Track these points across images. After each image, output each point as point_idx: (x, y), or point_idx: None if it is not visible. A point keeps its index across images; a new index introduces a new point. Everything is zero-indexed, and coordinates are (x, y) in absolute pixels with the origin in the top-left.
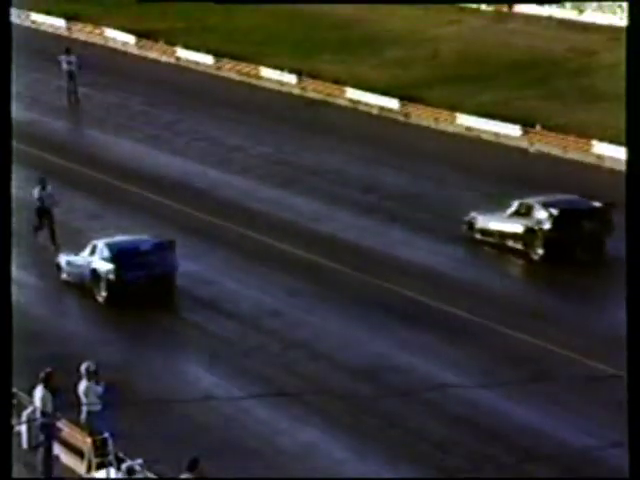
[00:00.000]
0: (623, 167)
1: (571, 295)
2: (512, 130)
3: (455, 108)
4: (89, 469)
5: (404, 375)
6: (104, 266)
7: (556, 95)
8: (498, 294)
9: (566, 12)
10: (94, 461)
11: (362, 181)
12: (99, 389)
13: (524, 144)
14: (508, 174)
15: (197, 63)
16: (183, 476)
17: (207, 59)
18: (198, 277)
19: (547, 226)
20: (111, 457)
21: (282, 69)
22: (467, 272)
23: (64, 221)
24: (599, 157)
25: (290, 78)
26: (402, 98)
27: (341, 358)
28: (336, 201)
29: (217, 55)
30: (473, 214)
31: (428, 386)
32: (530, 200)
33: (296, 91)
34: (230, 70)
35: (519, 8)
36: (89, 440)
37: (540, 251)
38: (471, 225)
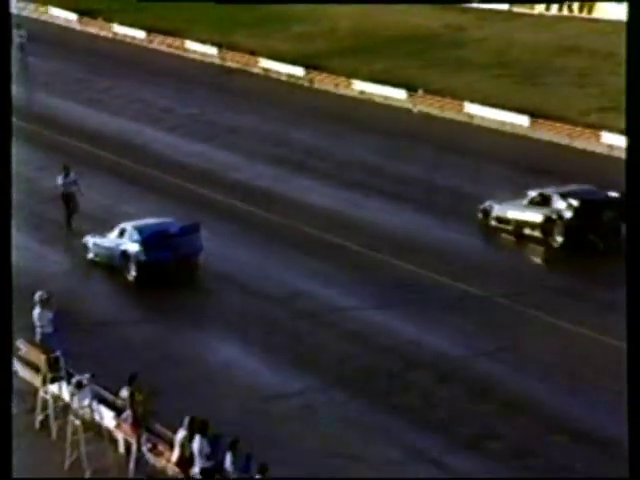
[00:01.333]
0: (489, 124)
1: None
2: (398, 94)
3: (351, 75)
4: (44, 382)
5: (311, 300)
6: (134, 248)
7: (434, 64)
8: (389, 232)
9: None
10: (48, 375)
11: (274, 137)
12: (50, 315)
13: (409, 105)
14: (395, 131)
15: (131, 37)
16: (123, 390)
17: (140, 34)
18: (130, 217)
19: (568, 215)
20: (62, 372)
21: (205, 42)
22: (363, 212)
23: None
24: (470, 116)
25: (212, 50)
26: (307, 67)
27: (258, 287)
28: (252, 154)
29: (149, 30)
30: (489, 202)
31: (331, 309)
32: (547, 190)
33: (217, 61)
34: (160, 43)
35: None
36: (43, 357)
37: (559, 239)
38: (486, 212)
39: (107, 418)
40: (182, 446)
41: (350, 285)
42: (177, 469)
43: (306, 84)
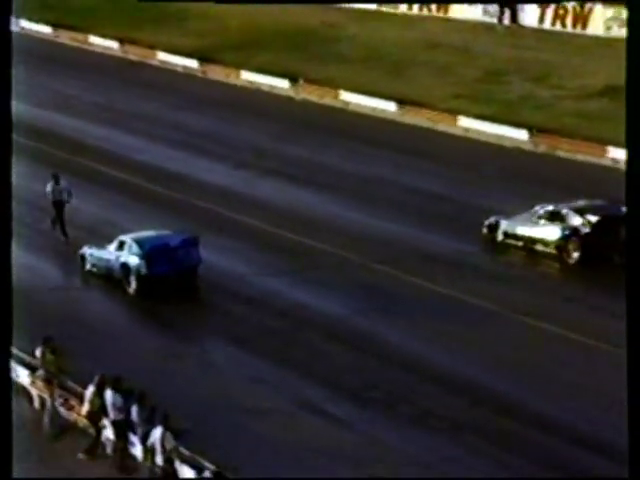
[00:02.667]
0: (363, 110)
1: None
2: (282, 83)
3: (240, 66)
4: None
5: (210, 270)
6: (134, 261)
7: (313, 57)
8: (278, 207)
9: None
10: None
11: (173, 122)
12: None
13: (291, 94)
14: (281, 116)
15: (38, 32)
16: (37, 350)
17: (46, 29)
18: (39, 195)
19: (585, 232)
20: None
21: (107, 37)
22: (255, 190)
23: None
24: (345, 103)
25: (114, 44)
26: (201, 59)
27: None
28: (152, 138)
29: (55, 26)
30: (494, 218)
31: (230, 278)
32: (558, 207)
33: (120, 54)
34: (65, 38)
35: None
36: None
37: (575, 255)
38: (492, 228)
39: (22, 376)
40: (91, 401)
41: (246, 254)
42: (87, 421)
43: (200, 75)
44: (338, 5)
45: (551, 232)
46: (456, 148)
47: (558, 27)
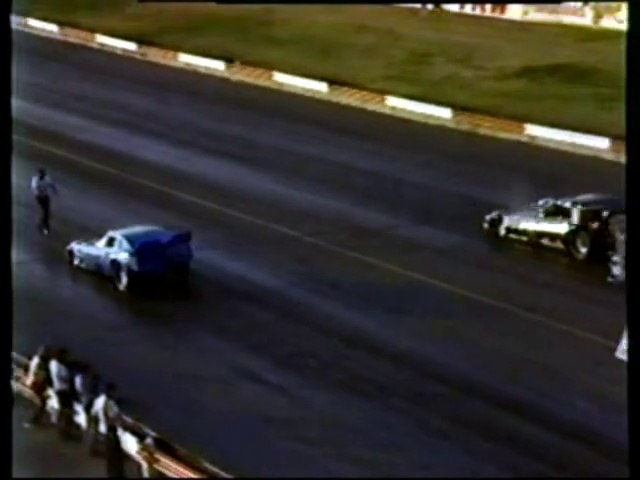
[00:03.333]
0: (297, 90)
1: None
2: (218, 65)
3: (177, 49)
4: None
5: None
6: (125, 258)
7: (247, 40)
8: (215, 183)
9: None
10: None
11: (113, 103)
12: None
13: (227, 75)
14: (217, 96)
15: None
16: None
17: None
18: None
19: (594, 226)
20: None
21: (47, 20)
22: (193, 167)
23: None
24: (279, 83)
25: (54, 27)
26: (139, 42)
27: (98, 229)
28: (94, 117)
29: None
30: (496, 213)
31: None
32: (564, 201)
33: (59, 37)
34: None
35: None
36: None
37: (583, 250)
38: (494, 223)
39: None
40: (36, 372)
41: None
42: (32, 392)
43: (139, 57)
44: None
45: (559, 227)
46: (385, 126)
47: (478, 11)
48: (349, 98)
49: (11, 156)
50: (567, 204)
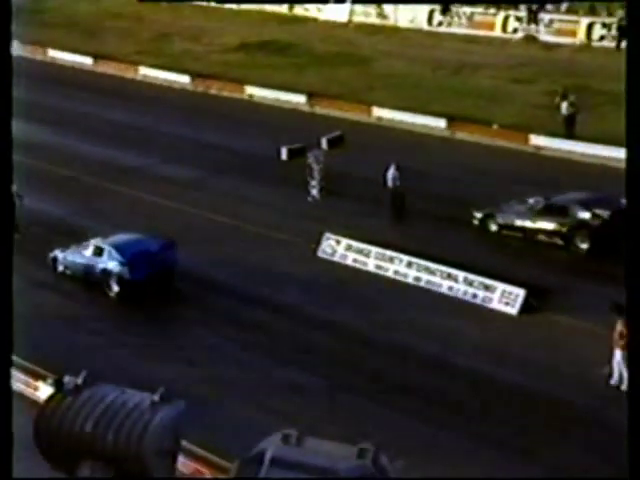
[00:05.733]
0: (67, 63)
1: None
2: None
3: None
4: None
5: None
6: (117, 267)
7: (25, 24)
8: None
9: None
10: None
11: None
12: None
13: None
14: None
15: None
16: None
17: None
18: None
19: (595, 224)
20: None
21: None
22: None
23: None
24: (53, 58)
25: None
26: None
27: None
28: None
29: None
30: (488, 210)
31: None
32: (559, 200)
33: None
34: None
35: None
36: None
37: (584, 246)
38: (485, 220)
39: None
40: None
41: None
42: None
43: None
44: None
45: (556, 224)
46: (138, 88)
47: (204, 2)
48: (110, 69)
49: (11, 157)
50: (563, 202)
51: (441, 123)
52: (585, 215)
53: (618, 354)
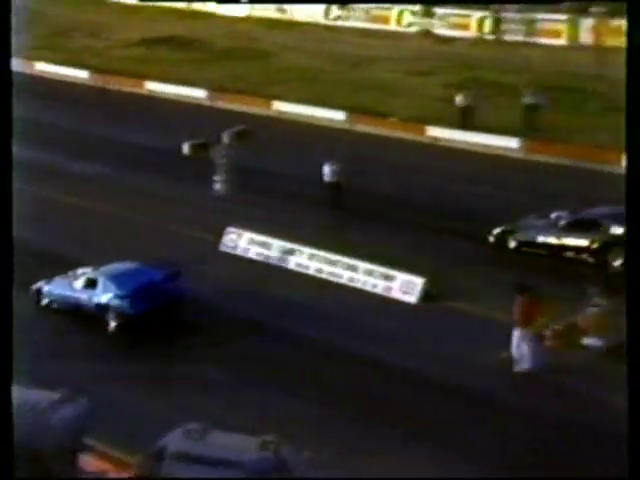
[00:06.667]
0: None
1: None
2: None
3: None
4: None
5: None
6: (115, 302)
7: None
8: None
9: None
10: None
11: None
12: None
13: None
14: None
15: None
16: None
17: None
18: None
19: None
20: None
21: None
22: None
23: None
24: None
25: None
26: None
27: None
28: None
29: None
30: (504, 227)
31: None
32: (587, 214)
33: None
34: None
35: None
36: None
37: (616, 263)
38: (502, 236)
39: None
40: None
41: None
42: None
43: None
44: None
45: (585, 240)
46: (37, 84)
47: None
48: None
49: (11, 162)
50: (593, 216)
51: (341, 116)
52: (619, 230)
53: (517, 333)
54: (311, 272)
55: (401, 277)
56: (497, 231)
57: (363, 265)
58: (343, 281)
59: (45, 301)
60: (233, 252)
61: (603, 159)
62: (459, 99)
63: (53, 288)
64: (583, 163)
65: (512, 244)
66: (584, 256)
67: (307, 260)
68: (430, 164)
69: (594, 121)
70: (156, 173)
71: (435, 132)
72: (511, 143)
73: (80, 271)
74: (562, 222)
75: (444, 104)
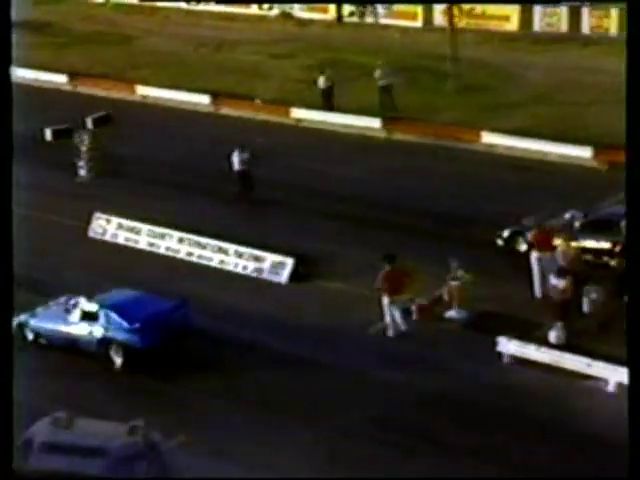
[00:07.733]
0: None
1: None
2: None
3: None
4: None
5: None
6: (121, 335)
7: None
8: None
9: None
10: None
11: None
12: None
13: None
14: None
15: None
16: None
17: None
18: None
19: None
20: None
21: None
22: None
23: None
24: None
25: None
26: None
27: None
28: None
29: None
30: (512, 228)
31: None
32: (604, 213)
33: None
34: None
35: None
36: None
37: None
38: (511, 238)
39: None
40: None
41: None
42: None
43: None
44: None
45: (605, 242)
46: None
47: None
48: None
49: (11, 161)
50: (612, 216)
51: (205, 99)
52: None
53: (385, 300)
54: (181, 256)
55: (271, 258)
56: (506, 234)
57: (233, 247)
58: (214, 264)
59: (30, 337)
60: (102, 238)
61: (463, 138)
62: (320, 81)
63: (41, 321)
64: (444, 142)
65: (523, 247)
66: (605, 259)
67: (177, 244)
68: (296, 145)
69: (451, 101)
70: (18, 160)
71: (300, 114)
72: (373, 123)
73: (72, 301)
74: (577, 223)
75: (305, 86)
